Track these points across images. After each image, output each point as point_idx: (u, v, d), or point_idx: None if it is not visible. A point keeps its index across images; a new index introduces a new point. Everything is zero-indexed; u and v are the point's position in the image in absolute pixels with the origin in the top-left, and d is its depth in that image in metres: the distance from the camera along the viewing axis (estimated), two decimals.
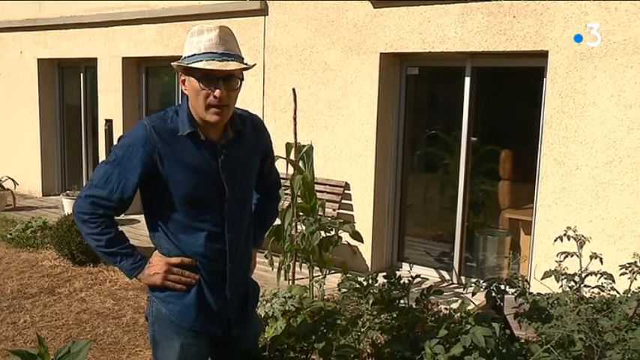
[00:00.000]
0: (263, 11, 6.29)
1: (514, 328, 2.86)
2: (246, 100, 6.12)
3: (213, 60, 1.89)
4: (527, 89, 5.31)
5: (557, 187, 4.67)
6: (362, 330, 2.81)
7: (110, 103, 7.99)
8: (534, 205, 4.95)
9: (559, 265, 2.74)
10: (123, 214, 2.09)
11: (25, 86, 9.08)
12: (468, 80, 5.32)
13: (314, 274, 4.85)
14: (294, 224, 4.92)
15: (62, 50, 8.55)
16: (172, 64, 2.00)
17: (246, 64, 1.97)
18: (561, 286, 2.75)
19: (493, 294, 2.92)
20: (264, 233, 2.43)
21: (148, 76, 8.10)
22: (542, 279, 2.75)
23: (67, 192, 8.16)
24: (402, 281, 2.80)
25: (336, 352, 2.39)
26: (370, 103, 5.60)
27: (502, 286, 2.94)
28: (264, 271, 5.09)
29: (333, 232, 4.88)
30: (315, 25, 5.92)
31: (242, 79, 1.99)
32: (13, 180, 8.61)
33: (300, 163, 4.86)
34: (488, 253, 5.57)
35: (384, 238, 5.91)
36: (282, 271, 4.97)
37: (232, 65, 1.91)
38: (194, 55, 1.91)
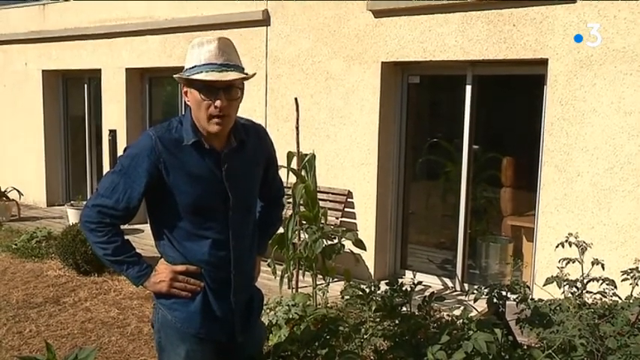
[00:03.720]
0: (265, 22, 6.35)
1: (516, 334, 2.87)
2: (249, 109, 6.17)
3: (212, 71, 1.93)
4: (528, 97, 5.34)
5: (558, 193, 4.69)
6: (365, 337, 2.83)
7: (114, 114, 8.05)
8: (536, 211, 4.96)
9: (561, 271, 2.75)
10: (127, 224, 2.13)
11: (30, 97, 9.15)
12: (469, 88, 5.35)
13: (317, 282, 4.87)
14: (297, 233, 4.94)
15: (66, 62, 8.63)
16: (174, 76, 2.04)
17: (246, 73, 2.01)
18: (563, 292, 2.76)
19: (495, 300, 2.94)
20: (267, 241, 2.46)
21: (152, 86, 8.16)
22: (544, 285, 2.77)
23: (72, 202, 8.20)
24: (404, 288, 2.82)
25: (339, 358, 2.40)
26: (372, 111, 5.64)
27: (504, 293, 2.95)
28: (267, 279, 5.11)
29: (335, 240, 4.89)
30: (316, 35, 5.98)
31: (242, 89, 2.03)
32: (17, 190, 8.66)
33: (303, 172, 4.89)
34: (490, 260, 5.58)
35: (386, 245, 5.92)
36: (286, 280, 4.99)
37: (232, 75, 1.95)
38: (194, 66, 1.95)
